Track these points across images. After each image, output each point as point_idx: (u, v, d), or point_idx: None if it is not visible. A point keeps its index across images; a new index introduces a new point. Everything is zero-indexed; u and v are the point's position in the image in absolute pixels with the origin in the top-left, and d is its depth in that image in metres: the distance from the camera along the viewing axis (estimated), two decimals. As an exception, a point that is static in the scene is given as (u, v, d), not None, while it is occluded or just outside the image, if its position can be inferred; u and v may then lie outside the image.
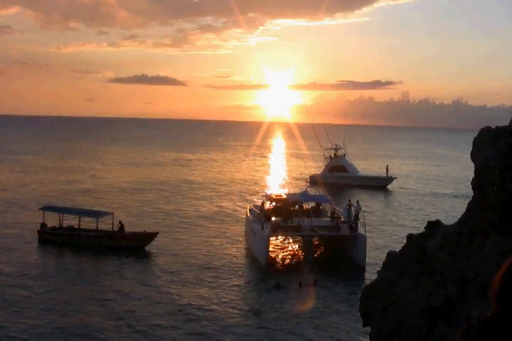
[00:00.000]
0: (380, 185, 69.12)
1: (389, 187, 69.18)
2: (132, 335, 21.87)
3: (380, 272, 9.74)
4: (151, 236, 36.06)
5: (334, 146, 73.35)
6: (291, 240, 38.41)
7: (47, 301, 25.61)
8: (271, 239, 34.75)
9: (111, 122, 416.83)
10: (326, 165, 72.93)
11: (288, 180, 77.34)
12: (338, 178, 67.75)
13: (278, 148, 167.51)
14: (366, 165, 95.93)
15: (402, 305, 8.53)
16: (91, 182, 68.31)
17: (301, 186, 65.93)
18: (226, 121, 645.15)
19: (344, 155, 73.12)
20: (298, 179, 76.71)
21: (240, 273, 31.31)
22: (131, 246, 35.28)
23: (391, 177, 70.26)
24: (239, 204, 54.20)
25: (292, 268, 32.41)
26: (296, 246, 37.81)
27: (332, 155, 73.26)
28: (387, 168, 71.38)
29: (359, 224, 34.22)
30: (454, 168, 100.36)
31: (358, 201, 37.33)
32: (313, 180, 70.44)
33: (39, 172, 77.44)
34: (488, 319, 2.34)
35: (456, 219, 8.97)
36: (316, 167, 79.70)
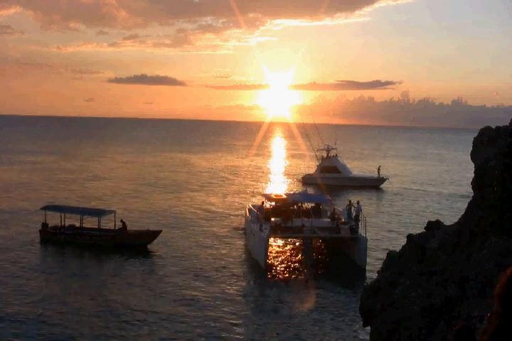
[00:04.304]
0: (371, 185, 69.25)
1: (383, 187, 69.15)
2: (134, 334, 21.87)
3: (380, 272, 9.75)
4: (153, 234, 36.07)
5: (326, 147, 73.45)
6: (290, 241, 38.21)
7: (49, 301, 25.57)
8: (270, 240, 34.43)
9: (111, 122, 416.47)
10: (318, 166, 73.08)
11: (285, 180, 77.37)
12: (329, 179, 67.73)
13: (278, 148, 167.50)
14: (362, 165, 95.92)
15: (402, 305, 8.54)
16: (92, 181, 68.32)
17: (298, 186, 66.03)
18: (226, 121, 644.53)
19: (336, 155, 73.23)
20: (292, 179, 76.83)
21: (239, 274, 31.25)
22: (133, 244, 35.31)
23: (383, 177, 70.42)
24: (238, 203, 54.14)
25: (292, 270, 32.32)
26: (296, 247, 37.63)
27: (324, 156, 73.37)
28: (378, 169, 71.61)
29: (359, 225, 34.03)
30: (453, 167, 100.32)
31: (358, 202, 37.06)
32: (305, 181, 70.57)
33: (40, 171, 77.43)
34: (496, 322, 2.30)
35: (456, 219, 8.98)
36: (312, 167, 79.77)
